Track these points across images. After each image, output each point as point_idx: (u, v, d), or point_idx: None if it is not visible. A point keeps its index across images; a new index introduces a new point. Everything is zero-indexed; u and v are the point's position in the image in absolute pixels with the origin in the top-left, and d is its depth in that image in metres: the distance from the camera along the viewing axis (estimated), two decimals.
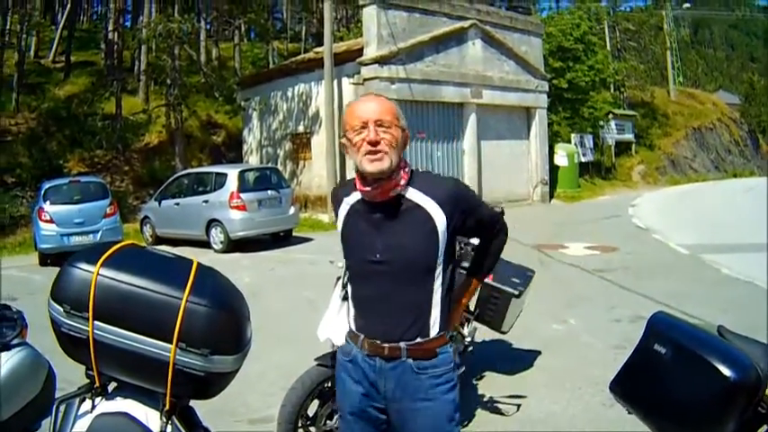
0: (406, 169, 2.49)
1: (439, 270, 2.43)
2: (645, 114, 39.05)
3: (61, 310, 1.85)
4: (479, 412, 5.03)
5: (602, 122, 31.30)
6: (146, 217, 17.19)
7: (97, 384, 1.92)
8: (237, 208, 14.40)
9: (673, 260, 11.79)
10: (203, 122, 25.87)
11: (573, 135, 28.69)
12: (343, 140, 2.48)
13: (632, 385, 2.19)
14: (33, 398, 1.88)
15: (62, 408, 1.88)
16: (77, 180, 16.03)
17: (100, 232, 14.23)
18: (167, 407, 1.89)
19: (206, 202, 15.00)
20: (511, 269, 5.23)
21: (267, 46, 33.34)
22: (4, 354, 1.83)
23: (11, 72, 24.50)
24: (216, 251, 14.53)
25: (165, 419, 1.88)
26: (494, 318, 5.20)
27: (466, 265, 4.70)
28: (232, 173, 14.96)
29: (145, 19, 23.95)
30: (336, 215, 2.67)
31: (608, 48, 37.11)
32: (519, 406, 5.08)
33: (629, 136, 35.03)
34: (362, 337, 2.51)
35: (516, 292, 5.04)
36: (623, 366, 2.24)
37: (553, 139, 26.88)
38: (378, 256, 2.41)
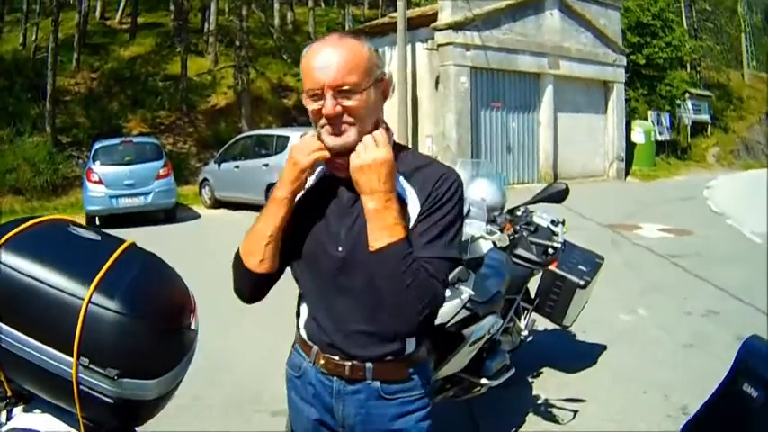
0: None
1: None
2: (720, 96, 37.67)
3: None
4: (530, 417, 4.39)
5: (678, 101, 30.18)
6: (205, 179, 16.75)
7: (9, 394, 1.57)
8: None
9: (746, 249, 10.98)
10: (274, 85, 25.34)
11: (650, 112, 27.64)
12: (304, 101, 1.86)
13: None
14: None
15: None
16: (130, 140, 15.68)
17: (151, 194, 13.88)
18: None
19: (266, 165, 14.33)
20: (578, 254, 4.67)
21: (343, 11, 32.54)
22: None
23: (71, 32, 24.29)
24: None
25: None
26: (555, 309, 4.69)
27: (522, 253, 4.13)
28: (294, 135, 13.96)
29: None
30: None
31: (684, 26, 35.74)
32: (575, 412, 4.39)
33: (704, 117, 33.71)
34: (316, 349, 1.92)
35: (582, 282, 4.50)
36: (702, 409, 1.80)
37: (630, 115, 26.01)
38: (340, 248, 1.82)
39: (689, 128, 31.76)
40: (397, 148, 1.86)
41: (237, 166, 15.39)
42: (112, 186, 13.54)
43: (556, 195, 4.36)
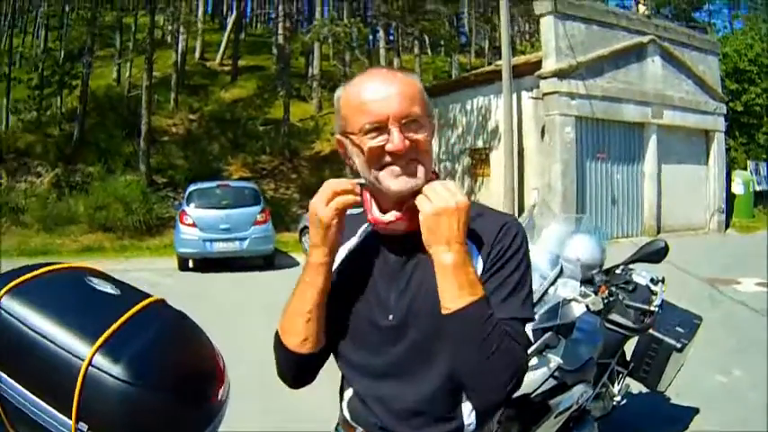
0: None
1: None
2: None
3: None
4: None
5: None
6: (305, 227, 16.38)
7: None
8: None
9: None
10: None
11: (749, 162, 26.81)
12: (340, 138, 1.66)
13: None
14: None
15: None
16: (227, 184, 15.58)
17: (248, 240, 13.66)
18: None
19: None
20: (676, 315, 4.42)
21: (449, 59, 32.50)
22: None
23: (168, 71, 24.60)
24: None
25: None
26: (650, 374, 4.44)
27: (616, 318, 3.84)
28: None
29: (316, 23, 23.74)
30: None
31: None
32: None
33: None
34: (361, 431, 1.69)
35: (679, 345, 4.24)
36: None
37: (730, 165, 25.28)
38: (390, 317, 1.61)
39: None
40: None
41: None
42: (207, 230, 13.41)
43: (654, 254, 4.06)
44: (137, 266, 14.18)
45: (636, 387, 5.01)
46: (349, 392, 1.72)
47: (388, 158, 1.54)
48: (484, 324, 1.46)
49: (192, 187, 14.52)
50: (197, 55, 30.27)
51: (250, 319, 8.09)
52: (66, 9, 26.09)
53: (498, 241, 1.60)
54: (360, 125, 1.53)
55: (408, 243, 1.61)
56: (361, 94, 1.55)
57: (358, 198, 1.58)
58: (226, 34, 31.02)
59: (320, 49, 22.66)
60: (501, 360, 1.48)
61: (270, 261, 14.41)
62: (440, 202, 1.47)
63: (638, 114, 20.17)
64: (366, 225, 1.73)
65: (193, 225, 13.41)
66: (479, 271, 1.56)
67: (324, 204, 1.57)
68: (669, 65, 21.37)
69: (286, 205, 19.76)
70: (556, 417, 3.24)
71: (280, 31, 25.17)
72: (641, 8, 23.75)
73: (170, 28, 25.42)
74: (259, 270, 13.78)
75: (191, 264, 13.85)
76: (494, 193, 19.95)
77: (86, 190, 19.43)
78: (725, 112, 23.57)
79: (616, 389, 4.31)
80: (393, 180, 1.55)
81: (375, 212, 1.66)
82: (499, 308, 1.53)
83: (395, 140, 1.50)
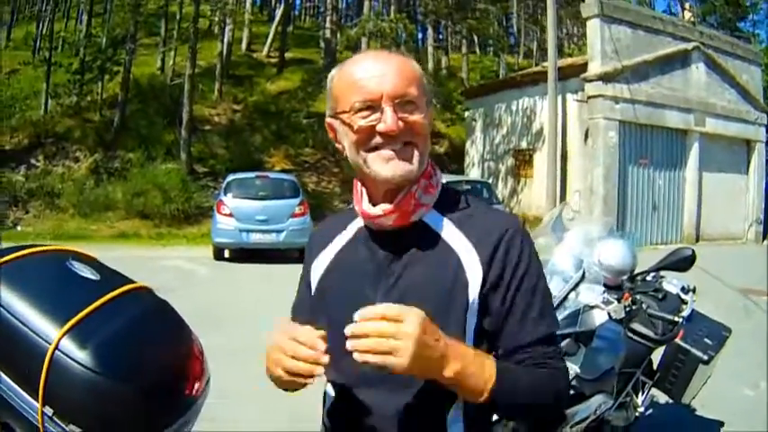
0: (435, 178, 1.54)
1: None
2: None
3: None
4: None
5: None
6: None
7: None
8: None
9: None
10: None
11: None
12: (330, 120, 1.51)
13: None
14: None
15: None
16: (266, 175, 15.48)
17: (284, 232, 13.57)
18: None
19: None
20: (705, 325, 4.20)
21: (497, 59, 32.63)
22: None
23: (213, 61, 24.65)
24: None
25: None
26: (675, 385, 4.23)
27: (638, 328, 3.74)
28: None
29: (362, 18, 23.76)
30: (309, 263, 1.68)
31: None
32: None
33: None
34: None
35: (705, 357, 4.05)
36: None
37: None
38: None
39: None
40: (443, 190, 1.54)
41: None
42: (244, 220, 13.38)
43: (682, 262, 3.94)
44: (171, 254, 14.30)
45: (661, 397, 4.93)
46: (330, 397, 1.59)
47: (379, 139, 1.41)
48: (516, 386, 1.38)
49: (230, 177, 14.51)
50: (243, 46, 30.30)
51: (273, 312, 8.06)
52: None
53: (505, 253, 1.45)
54: (350, 103, 1.41)
55: (399, 239, 1.49)
56: (354, 72, 1.44)
57: (318, 371, 1.29)
58: (273, 26, 30.95)
59: (367, 44, 22.64)
60: (545, 395, 1.43)
61: None
62: (403, 351, 1.22)
63: (681, 121, 20.13)
64: (357, 218, 1.59)
65: (230, 215, 13.39)
66: (479, 279, 1.44)
67: (278, 363, 1.33)
68: (713, 72, 21.30)
69: (328, 199, 19.79)
70: (572, 427, 3.16)
71: (327, 25, 25.19)
72: (687, 15, 23.69)
73: (216, 18, 25.48)
74: (295, 263, 13.76)
75: (226, 254, 13.86)
76: (536, 195, 20.05)
77: (125, 176, 19.44)
78: (766, 122, 23.41)
79: (640, 399, 4.17)
80: (383, 165, 1.42)
81: (365, 205, 1.52)
82: (526, 332, 1.44)
83: (387, 120, 1.38)
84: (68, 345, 1.33)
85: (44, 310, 1.37)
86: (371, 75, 1.41)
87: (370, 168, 1.43)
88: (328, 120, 1.52)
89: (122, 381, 1.36)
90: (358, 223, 1.59)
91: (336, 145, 1.54)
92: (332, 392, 1.58)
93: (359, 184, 1.55)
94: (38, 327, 1.34)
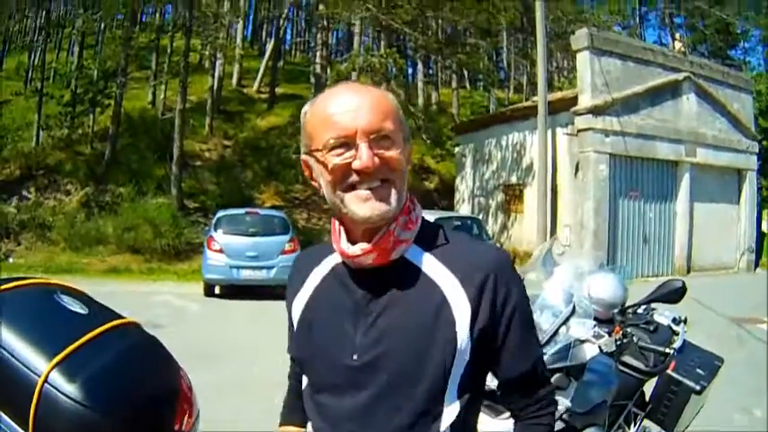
0: (415, 213, 1.51)
1: (450, 398, 1.43)
2: None
3: None
4: None
5: None
6: None
7: None
8: None
9: None
10: (414, 167, 25.35)
11: None
12: (306, 158, 1.48)
13: None
14: None
15: None
16: (256, 212, 15.53)
17: (275, 269, 13.49)
18: None
19: None
20: (697, 356, 4.18)
21: (488, 94, 32.67)
22: None
23: (204, 96, 24.68)
24: None
25: None
26: (667, 416, 4.18)
27: (629, 360, 3.75)
28: (430, 217, 13.88)
29: (352, 53, 23.86)
30: (290, 300, 1.65)
31: None
32: None
33: None
34: None
35: (698, 388, 4.00)
36: None
37: (762, 203, 25.16)
38: (355, 357, 1.43)
39: None
40: (424, 224, 1.52)
41: None
42: (234, 257, 13.35)
43: (672, 294, 3.88)
44: (162, 290, 14.29)
45: (653, 428, 4.79)
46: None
47: (355, 177, 1.38)
48: None
49: (220, 213, 14.54)
50: (234, 81, 30.43)
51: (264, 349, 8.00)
52: (102, 27, 26.21)
53: (494, 290, 1.44)
54: (324, 141, 1.38)
55: (379, 278, 1.46)
56: (327, 107, 1.40)
57: None
58: (264, 61, 31.06)
59: (358, 78, 22.80)
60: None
61: None
62: None
63: (672, 152, 20.12)
64: (334, 253, 1.55)
65: (221, 251, 13.38)
66: (467, 317, 1.42)
67: None
68: (704, 102, 21.34)
69: (318, 235, 19.75)
70: None
71: (317, 60, 25.29)
72: (677, 45, 23.74)
73: (207, 53, 25.53)
74: (285, 299, 13.74)
75: (217, 290, 13.86)
76: (527, 230, 20.02)
77: (116, 210, 19.41)
78: (757, 150, 23.47)
79: (632, 431, 4.17)
80: (360, 205, 1.38)
81: (343, 243, 1.48)
82: (518, 364, 1.49)
83: (363, 157, 1.34)
84: (57, 378, 1.34)
85: (33, 343, 1.37)
86: (345, 109, 1.37)
87: (348, 208, 1.40)
88: (303, 157, 1.49)
89: (110, 415, 1.37)
90: (335, 258, 1.55)
91: (312, 182, 1.51)
92: (309, 427, 1.56)
93: (336, 222, 1.51)
94: (27, 359, 1.35)
